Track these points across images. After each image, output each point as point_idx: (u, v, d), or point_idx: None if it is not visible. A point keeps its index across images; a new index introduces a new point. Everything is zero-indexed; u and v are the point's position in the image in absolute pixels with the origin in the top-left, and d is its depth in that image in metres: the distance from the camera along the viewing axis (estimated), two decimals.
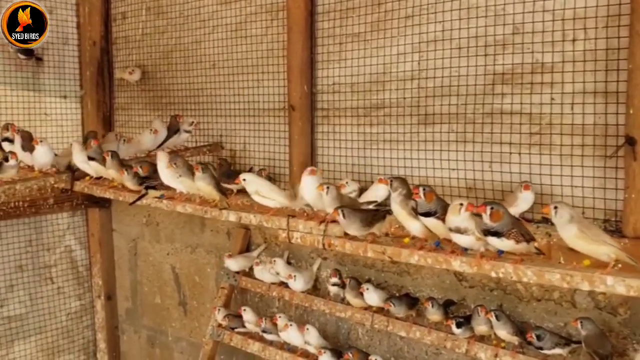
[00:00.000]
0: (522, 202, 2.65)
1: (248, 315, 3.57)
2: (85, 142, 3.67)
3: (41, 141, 3.58)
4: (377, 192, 3.10)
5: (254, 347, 3.54)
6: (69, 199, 4.45)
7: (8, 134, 3.78)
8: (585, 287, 1.99)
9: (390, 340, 3.27)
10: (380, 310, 3.09)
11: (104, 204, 4.74)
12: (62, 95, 4.70)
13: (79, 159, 3.61)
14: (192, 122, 3.91)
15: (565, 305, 2.68)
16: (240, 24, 3.87)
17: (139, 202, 3.43)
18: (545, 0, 2.68)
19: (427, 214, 2.25)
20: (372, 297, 3.06)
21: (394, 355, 3.25)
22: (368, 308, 3.14)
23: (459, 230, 2.15)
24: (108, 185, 3.63)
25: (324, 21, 3.45)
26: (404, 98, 3.16)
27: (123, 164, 3.48)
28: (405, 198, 2.36)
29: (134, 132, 4.51)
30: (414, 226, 2.36)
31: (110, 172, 3.51)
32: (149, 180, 3.33)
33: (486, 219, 2.07)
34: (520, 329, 2.67)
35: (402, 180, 2.45)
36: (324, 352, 3.15)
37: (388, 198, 3.09)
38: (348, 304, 3.23)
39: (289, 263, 3.63)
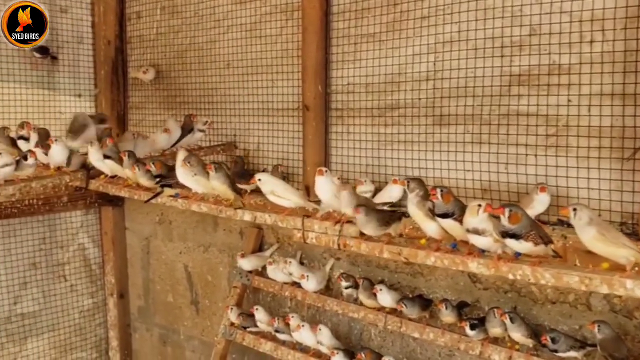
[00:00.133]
0: (538, 204, 2.63)
1: (260, 314, 3.57)
2: (100, 140, 3.69)
3: (56, 140, 3.60)
4: (391, 193, 3.10)
5: (267, 346, 3.55)
6: (82, 197, 4.47)
7: (24, 132, 3.80)
8: (604, 290, 1.98)
9: (403, 342, 3.27)
10: (393, 311, 3.08)
11: (117, 202, 4.76)
12: (77, 94, 4.73)
13: (95, 158, 3.63)
14: (206, 121, 3.92)
15: (580, 308, 2.67)
16: (255, 24, 3.88)
17: (153, 201, 3.44)
18: (563, 2, 2.67)
19: (444, 215, 2.25)
20: (385, 298, 3.06)
21: (407, 356, 3.25)
22: (381, 309, 3.13)
23: (476, 232, 2.14)
24: (123, 184, 3.64)
25: (339, 21, 3.45)
26: (419, 99, 3.15)
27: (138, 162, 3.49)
28: (422, 199, 2.36)
29: (147, 131, 4.52)
30: (431, 227, 2.36)
31: (127, 171, 3.53)
32: (165, 178, 3.34)
33: (504, 221, 2.07)
34: (535, 332, 2.66)
35: (419, 181, 2.44)
36: (337, 353, 3.15)
37: (402, 199, 3.12)
38: (361, 304, 3.22)
39: (301, 263, 3.63)
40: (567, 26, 2.67)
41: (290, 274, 3.50)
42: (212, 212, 3.23)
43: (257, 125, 3.92)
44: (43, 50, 4.38)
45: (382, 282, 3.25)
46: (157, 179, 3.39)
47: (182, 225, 4.46)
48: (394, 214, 2.59)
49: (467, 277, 3.00)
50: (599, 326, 2.39)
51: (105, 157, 3.60)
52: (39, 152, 3.61)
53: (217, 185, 3.02)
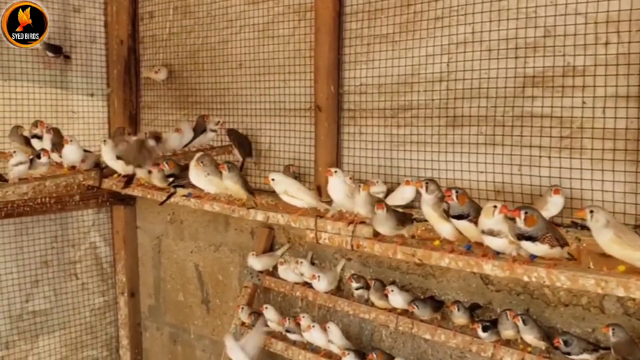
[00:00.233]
0: (551, 206, 2.62)
1: (270, 313, 3.58)
2: (113, 138, 3.71)
3: (71, 140, 3.62)
4: (403, 194, 3.10)
5: (277, 346, 3.55)
6: (94, 196, 4.48)
7: (37, 131, 3.83)
8: (620, 292, 1.97)
9: (414, 343, 3.26)
10: (404, 313, 3.08)
11: (128, 201, 4.78)
12: (89, 93, 4.75)
13: (108, 157, 3.65)
14: (219, 121, 3.93)
15: (593, 311, 2.66)
16: (267, 24, 3.88)
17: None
18: (578, 3, 2.66)
19: (459, 217, 2.24)
20: (397, 299, 3.05)
21: (418, 357, 3.24)
22: (392, 310, 3.12)
23: (492, 233, 2.14)
24: (136, 183, 3.66)
25: (352, 22, 3.44)
26: (432, 100, 3.15)
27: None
28: (439, 200, 2.35)
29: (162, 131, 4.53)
30: (445, 229, 2.36)
31: (139, 171, 3.54)
32: (177, 178, 3.35)
33: (520, 223, 2.06)
34: (547, 334, 2.65)
35: (436, 183, 2.44)
36: (348, 354, 3.15)
37: (414, 200, 3.12)
38: (372, 305, 3.22)
39: (312, 263, 3.64)
40: (582, 28, 2.65)
41: (302, 274, 3.50)
42: (225, 211, 3.24)
43: (269, 125, 3.92)
44: (56, 50, 4.41)
45: (393, 283, 3.25)
46: (170, 179, 3.41)
47: (193, 225, 4.47)
48: (407, 215, 2.59)
49: (479, 279, 2.99)
50: (613, 329, 2.37)
51: (118, 157, 3.61)
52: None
53: (230, 184, 3.04)
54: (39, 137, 3.81)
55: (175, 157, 3.75)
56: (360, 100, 3.45)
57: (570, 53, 2.69)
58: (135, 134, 4.59)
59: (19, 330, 4.58)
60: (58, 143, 3.72)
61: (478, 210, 2.22)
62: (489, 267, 2.22)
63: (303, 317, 3.36)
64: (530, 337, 2.62)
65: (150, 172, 3.46)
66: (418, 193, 3.03)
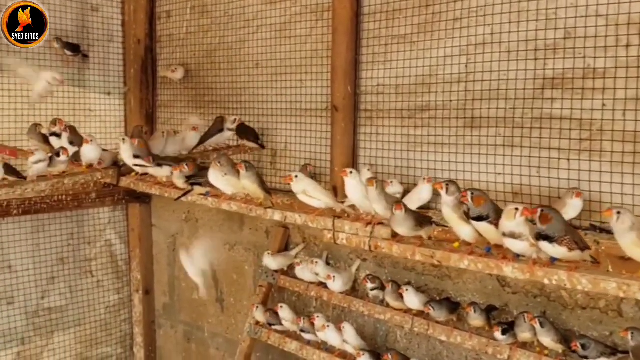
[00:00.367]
0: (570, 209, 2.60)
1: (285, 312, 3.58)
2: (132, 137, 3.73)
3: (91, 140, 3.64)
4: (420, 195, 3.09)
5: (292, 346, 3.56)
6: (110, 194, 4.51)
7: (56, 129, 3.85)
8: None
9: (430, 344, 3.26)
10: (420, 314, 3.08)
11: (144, 199, 4.80)
12: (107, 92, 4.78)
13: (127, 155, 3.67)
14: (235, 119, 3.93)
15: (611, 315, 2.64)
16: (284, 24, 3.89)
17: (183, 198, 3.48)
18: (599, 5, 2.64)
19: (479, 218, 2.24)
20: (412, 299, 3.05)
21: (433, 359, 3.24)
22: (408, 311, 3.12)
23: (513, 236, 2.13)
24: (153, 182, 3.68)
25: (370, 22, 3.44)
26: (450, 101, 3.14)
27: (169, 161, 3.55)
28: (459, 202, 2.34)
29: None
30: (465, 230, 2.35)
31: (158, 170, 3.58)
32: (195, 177, 3.37)
33: (537, 222, 2.05)
34: (565, 337, 2.64)
35: (457, 185, 2.43)
36: (363, 354, 3.15)
37: (431, 201, 3.12)
38: (387, 306, 3.22)
39: (327, 263, 3.64)
40: (603, 29, 2.64)
41: (317, 274, 3.50)
42: (242, 211, 3.25)
43: (285, 125, 3.93)
44: (74, 48, 4.44)
45: (409, 284, 3.24)
46: (188, 178, 3.43)
47: (208, 224, 4.48)
48: (426, 217, 2.58)
49: (496, 281, 2.98)
50: (632, 333, 2.36)
51: (136, 156, 3.63)
52: (71, 148, 3.66)
53: (247, 184, 3.04)
54: (58, 135, 3.84)
55: (194, 157, 3.78)
56: (378, 101, 3.45)
57: (591, 55, 2.68)
58: (152, 132, 4.63)
59: (35, 326, 4.62)
60: (76, 141, 3.74)
61: (498, 212, 2.22)
62: (509, 270, 2.22)
63: (318, 317, 3.37)
64: (547, 340, 2.61)
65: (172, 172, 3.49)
66: (435, 194, 3.05)
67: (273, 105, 4.01)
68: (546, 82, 2.81)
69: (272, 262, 3.76)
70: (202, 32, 4.46)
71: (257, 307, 3.74)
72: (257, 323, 3.78)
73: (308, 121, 3.81)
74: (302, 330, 3.48)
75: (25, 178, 3.49)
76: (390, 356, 3.07)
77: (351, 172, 2.80)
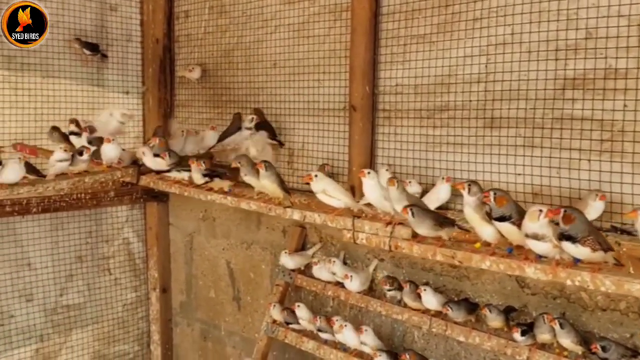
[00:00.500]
0: (592, 210, 2.58)
1: (302, 311, 3.59)
2: (154, 135, 3.76)
3: (113, 139, 3.67)
4: (439, 194, 3.08)
5: (309, 345, 3.56)
6: (128, 193, 4.54)
7: (75, 128, 3.89)
8: None
9: (447, 345, 3.25)
10: (438, 314, 3.07)
11: (162, 198, 4.83)
12: (125, 91, 4.81)
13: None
14: (252, 117, 3.95)
15: (631, 316, 2.62)
16: (302, 24, 3.89)
17: (202, 197, 3.50)
18: (621, 5, 2.63)
19: (502, 219, 2.23)
20: (430, 300, 3.04)
21: None
22: (426, 311, 3.12)
23: (536, 237, 2.12)
24: (173, 180, 3.71)
25: (389, 22, 3.44)
26: (470, 101, 3.13)
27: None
28: (481, 203, 2.34)
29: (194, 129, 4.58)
30: (487, 231, 2.34)
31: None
32: (212, 174, 3.40)
33: (560, 222, 2.05)
34: (585, 339, 2.62)
35: (479, 185, 2.42)
36: (380, 355, 3.15)
37: (449, 201, 3.11)
38: (405, 306, 3.22)
39: (345, 263, 3.64)
40: (625, 30, 2.62)
41: (334, 274, 3.51)
42: (261, 210, 3.26)
43: (303, 124, 3.94)
44: (93, 48, 4.48)
45: (426, 284, 3.24)
46: (205, 175, 3.46)
47: (225, 223, 4.50)
48: (447, 218, 2.58)
49: (515, 282, 2.97)
50: None
51: (156, 155, 3.66)
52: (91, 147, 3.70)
53: (267, 184, 3.06)
54: (77, 134, 3.87)
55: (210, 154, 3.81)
56: (396, 101, 3.45)
57: (612, 55, 2.66)
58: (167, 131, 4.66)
59: (53, 323, 4.67)
60: (94, 140, 3.78)
61: (520, 212, 2.21)
62: (532, 271, 2.21)
63: (336, 320, 3.36)
64: (567, 341, 2.59)
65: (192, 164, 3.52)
66: (454, 194, 3.05)
67: (291, 105, 4.01)
68: (567, 82, 2.79)
69: (289, 261, 3.77)
70: (220, 32, 4.48)
71: (274, 305, 3.75)
72: (274, 322, 3.79)
73: (326, 121, 3.81)
74: (319, 330, 3.48)
75: (44, 176, 3.53)
76: (408, 356, 3.06)
77: (369, 173, 2.80)
